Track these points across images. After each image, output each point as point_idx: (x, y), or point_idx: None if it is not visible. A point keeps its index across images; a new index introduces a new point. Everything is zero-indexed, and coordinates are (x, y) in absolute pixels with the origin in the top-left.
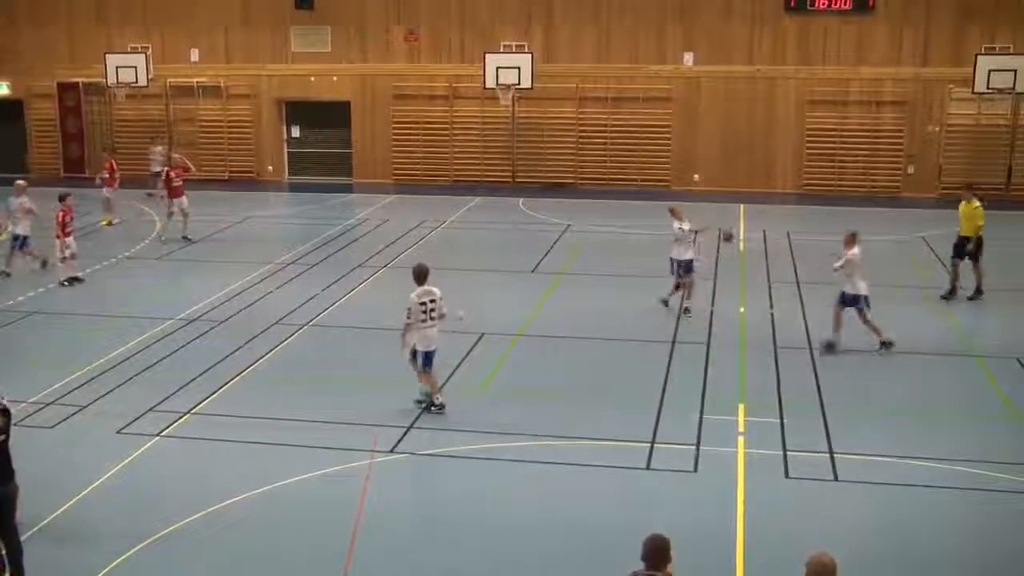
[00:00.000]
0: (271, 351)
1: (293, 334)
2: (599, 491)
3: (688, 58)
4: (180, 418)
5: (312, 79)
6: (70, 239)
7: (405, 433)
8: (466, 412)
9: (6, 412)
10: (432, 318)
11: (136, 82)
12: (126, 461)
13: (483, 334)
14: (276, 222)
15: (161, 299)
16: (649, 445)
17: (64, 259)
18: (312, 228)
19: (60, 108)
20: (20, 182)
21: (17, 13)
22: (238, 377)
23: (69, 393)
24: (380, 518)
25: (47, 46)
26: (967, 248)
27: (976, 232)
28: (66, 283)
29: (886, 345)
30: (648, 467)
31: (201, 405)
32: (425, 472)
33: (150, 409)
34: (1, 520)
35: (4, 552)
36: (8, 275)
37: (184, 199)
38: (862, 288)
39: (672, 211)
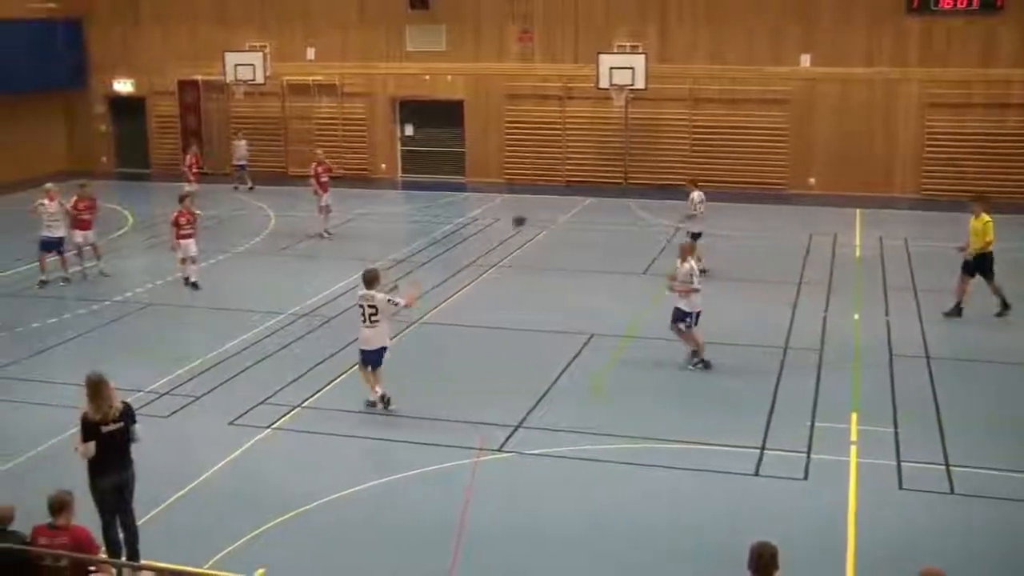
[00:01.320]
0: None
1: (402, 331)
2: (706, 496)
3: (805, 60)
4: (291, 411)
5: (426, 78)
6: (187, 242)
7: (513, 432)
8: (574, 413)
9: (127, 407)
10: (372, 320)
11: (254, 80)
12: (238, 452)
13: (593, 335)
14: (388, 220)
15: (275, 294)
16: (759, 451)
17: (182, 261)
18: (423, 226)
19: (180, 105)
20: (49, 185)
21: (142, 13)
22: (347, 373)
23: (183, 384)
24: (485, 517)
25: (170, 45)
26: (983, 265)
27: (986, 248)
28: (189, 285)
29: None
30: (757, 473)
31: (312, 399)
32: (531, 472)
33: (262, 402)
34: (121, 505)
35: (122, 535)
36: (68, 281)
37: (328, 195)
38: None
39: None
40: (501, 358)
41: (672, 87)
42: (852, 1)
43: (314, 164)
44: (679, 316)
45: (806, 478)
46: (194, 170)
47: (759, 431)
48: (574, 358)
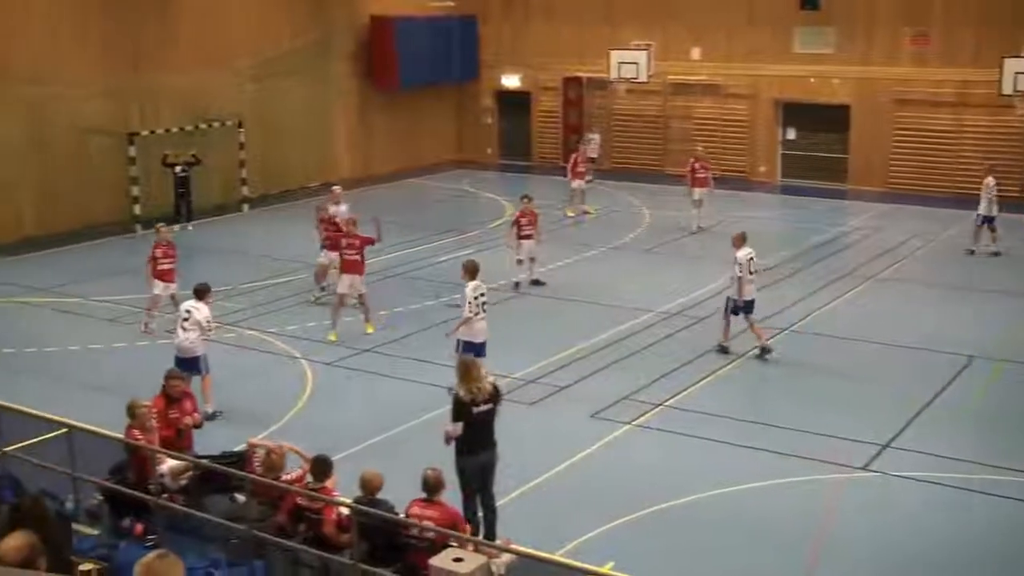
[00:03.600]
0: (747, 352)
1: (771, 338)
2: None
3: None
4: (652, 409)
5: (812, 80)
6: (528, 243)
7: (880, 451)
8: (946, 438)
9: (496, 388)
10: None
11: (636, 78)
12: (597, 445)
13: (971, 357)
14: (764, 223)
15: (645, 291)
16: None
17: (520, 261)
18: (800, 232)
19: (564, 101)
20: (336, 188)
21: (532, 11)
22: (711, 375)
23: (550, 373)
24: (843, 537)
25: (557, 42)
26: None
27: None
28: (516, 286)
29: None
30: None
31: (674, 399)
32: (896, 495)
33: (624, 397)
34: (483, 484)
35: (481, 514)
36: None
37: (705, 190)
38: None
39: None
40: (872, 373)
41: None
42: None
43: (692, 160)
44: None
45: None
46: (578, 169)
47: None
48: (951, 381)
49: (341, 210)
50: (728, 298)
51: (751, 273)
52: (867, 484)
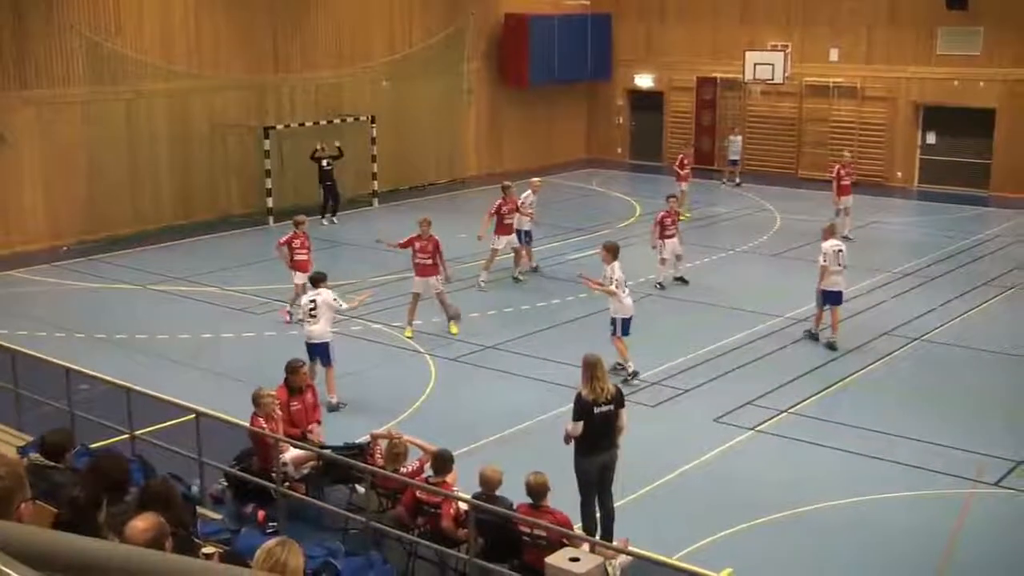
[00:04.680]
0: (876, 361)
1: (902, 347)
2: None
3: None
4: (776, 415)
5: (955, 83)
6: (671, 241)
7: (1014, 468)
8: None
9: (618, 390)
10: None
11: (772, 79)
12: (718, 450)
13: None
14: (899, 229)
15: (773, 295)
16: None
17: (663, 260)
18: (937, 239)
19: (697, 101)
20: (535, 180)
21: (668, 10)
22: (839, 383)
23: (674, 376)
24: (972, 555)
25: (692, 42)
26: None
27: None
28: (658, 286)
29: None
30: None
31: (799, 406)
32: None
33: (748, 402)
34: (602, 485)
35: (599, 515)
36: (536, 270)
37: (850, 198)
38: None
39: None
40: (1007, 386)
41: None
42: None
43: (838, 166)
44: None
45: None
46: (683, 171)
47: None
48: None
49: (529, 199)
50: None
51: (838, 265)
52: (999, 500)
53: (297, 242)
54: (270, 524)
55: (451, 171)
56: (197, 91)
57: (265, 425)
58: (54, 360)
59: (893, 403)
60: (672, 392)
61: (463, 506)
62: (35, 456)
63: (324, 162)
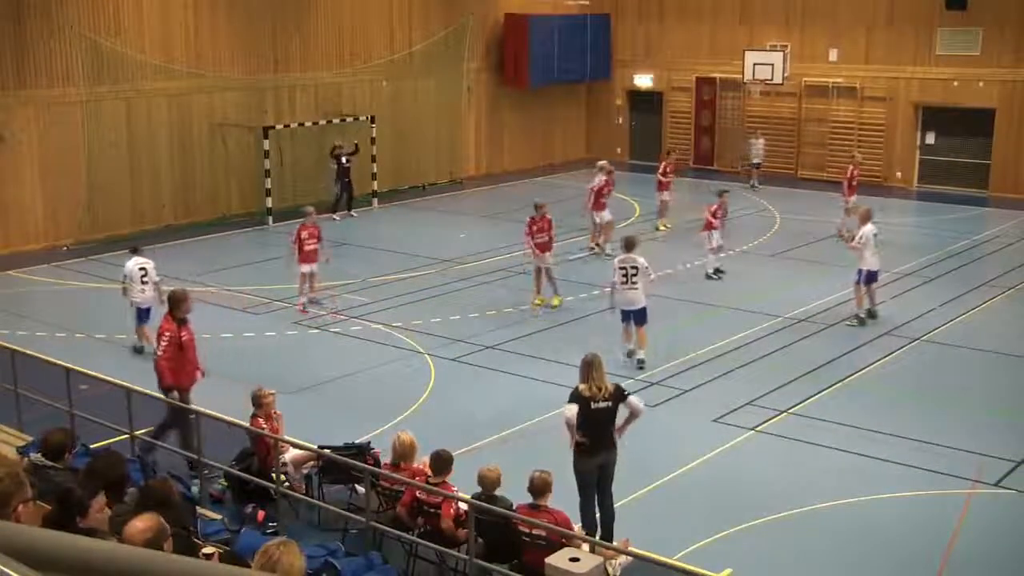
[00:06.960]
0: (877, 361)
1: (903, 346)
2: None
3: None
4: (777, 416)
5: (955, 83)
6: (716, 232)
7: (1015, 468)
8: None
9: (618, 389)
10: (633, 282)
11: (771, 79)
12: (718, 450)
13: None
14: (899, 230)
15: (774, 296)
16: None
17: (712, 249)
18: (936, 239)
19: (696, 102)
20: (603, 162)
21: (667, 11)
22: (840, 383)
23: (673, 376)
24: (972, 554)
25: (691, 42)
26: None
27: None
28: (713, 276)
29: None
30: None
31: (799, 406)
32: None
33: (748, 403)
34: (601, 485)
35: (598, 515)
36: (600, 249)
37: (855, 198)
38: None
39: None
40: (1007, 386)
41: None
42: None
43: (851, 167)
44: None
45: None
46: (666, 179)
47: None
48: None
49: (599, 179)
50: (858, 270)
51: (876, 247)
52: (999, 500)
53: (305, 232)
54: (270, 524)
55: (451, 171)
56: (197, 91)
57: (265, 425)
58: (54, 360)
59: (893, 403)
60: (672, 392)
61: (463, 506)
62: (35, 456)
63: (344, 159)
